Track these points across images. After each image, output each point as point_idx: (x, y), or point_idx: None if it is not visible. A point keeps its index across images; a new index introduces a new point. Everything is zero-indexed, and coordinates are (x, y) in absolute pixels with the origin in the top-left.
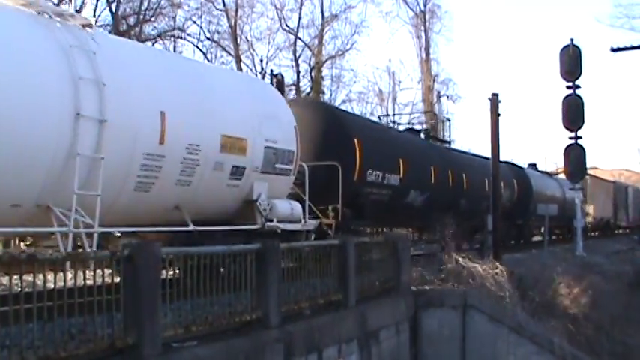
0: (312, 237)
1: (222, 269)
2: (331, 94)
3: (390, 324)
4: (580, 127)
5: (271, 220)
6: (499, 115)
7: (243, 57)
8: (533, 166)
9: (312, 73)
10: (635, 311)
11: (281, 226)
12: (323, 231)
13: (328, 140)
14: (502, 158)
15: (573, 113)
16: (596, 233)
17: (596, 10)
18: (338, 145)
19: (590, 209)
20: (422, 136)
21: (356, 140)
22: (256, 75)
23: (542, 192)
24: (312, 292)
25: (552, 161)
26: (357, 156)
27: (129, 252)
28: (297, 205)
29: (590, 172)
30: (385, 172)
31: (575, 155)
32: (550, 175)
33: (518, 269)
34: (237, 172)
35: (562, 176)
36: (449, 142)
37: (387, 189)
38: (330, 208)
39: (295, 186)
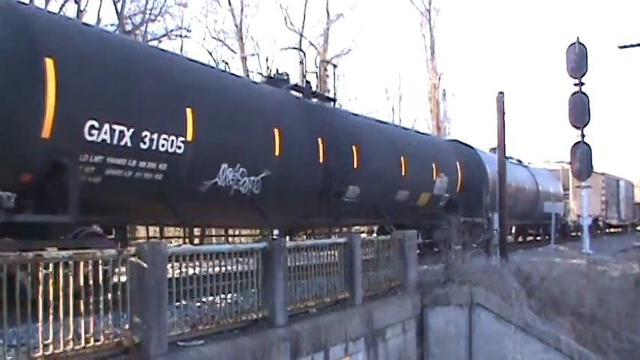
0: None
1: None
2: (336, 93)
3: (397, 322)
4: (586, 125)
5: None
6: (504, 113)
7: (248, 56)
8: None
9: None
10: None
11: None
12: None
13: None
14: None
15: (579, 111)
16: (577, 234)
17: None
18: None
19: (573, 205)
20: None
21: (49, 61)
22: (261, 74)
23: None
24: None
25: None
26: (50, 90)
27: (135, 251)
28: None
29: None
30: (146, 129)
31: (581, 152)
32: (519, 162)
33: (525, 267)
34: None
35: (537, 165)
36: (333, 100)
37: (155, 159)
38: None
39: None
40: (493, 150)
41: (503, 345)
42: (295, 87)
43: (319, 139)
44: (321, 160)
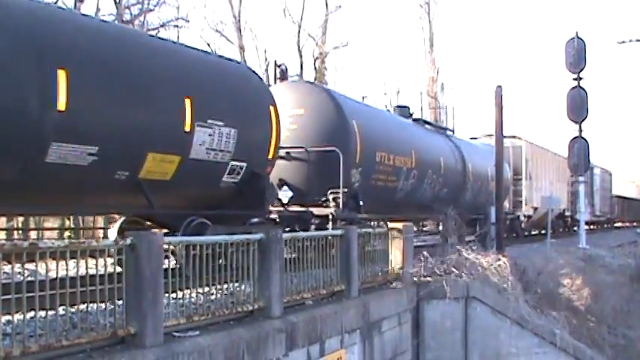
0: None
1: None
2: (335, 85)
3: (393, 315)
4: (584, 120)
5: None
6: (502, 107)
7: (246, 47)
8: (402, 108)
9: (316, 64)
10: (637, 304)
11: None
12: None
13: None
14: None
15: (577, 105)
16: (541, 232)
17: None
18: None
19: (526, 194)
20: None
21: None
22: (260, 65)
23: (389, 145)
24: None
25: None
26: None
27: (131, 241)
28: None
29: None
30: None
31: (579, 147)
32: (443, 129)
33: (521, 261)
34: None
35: (483, 141)
36: None
37: None
38: None
39: None
40: (401, 108)
41: (498, 338)
42: None
43: None
44: None
